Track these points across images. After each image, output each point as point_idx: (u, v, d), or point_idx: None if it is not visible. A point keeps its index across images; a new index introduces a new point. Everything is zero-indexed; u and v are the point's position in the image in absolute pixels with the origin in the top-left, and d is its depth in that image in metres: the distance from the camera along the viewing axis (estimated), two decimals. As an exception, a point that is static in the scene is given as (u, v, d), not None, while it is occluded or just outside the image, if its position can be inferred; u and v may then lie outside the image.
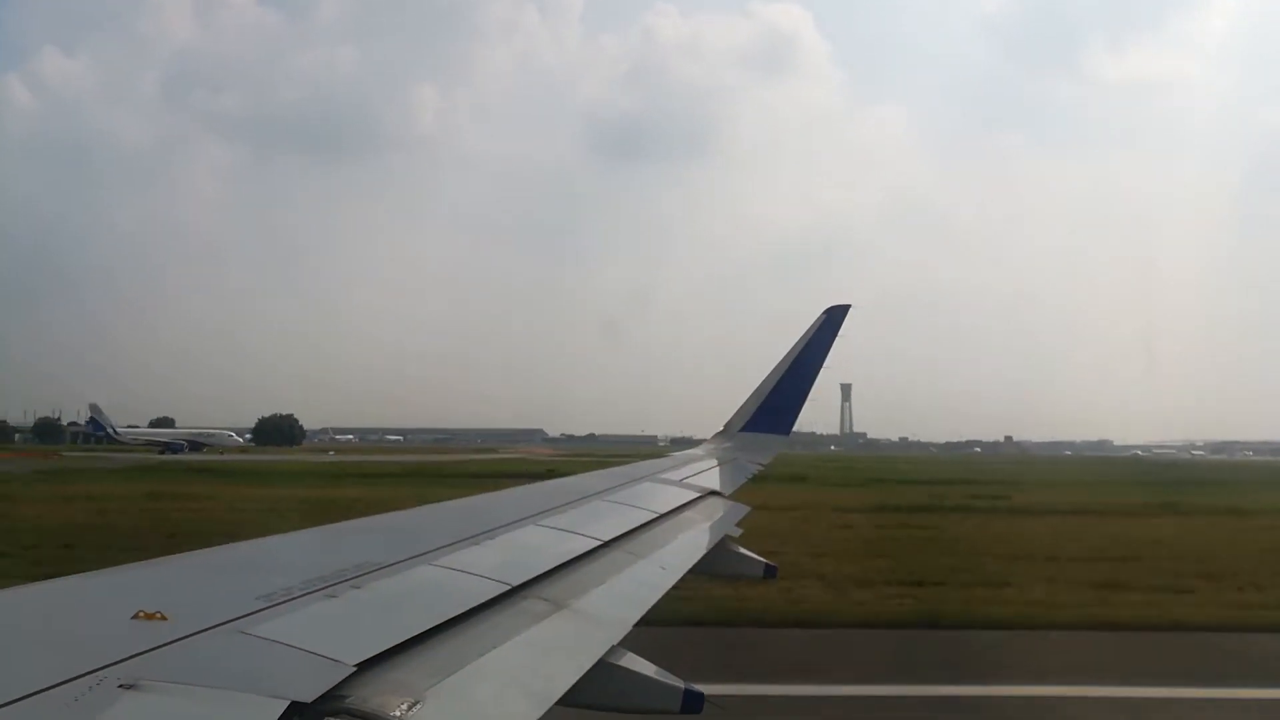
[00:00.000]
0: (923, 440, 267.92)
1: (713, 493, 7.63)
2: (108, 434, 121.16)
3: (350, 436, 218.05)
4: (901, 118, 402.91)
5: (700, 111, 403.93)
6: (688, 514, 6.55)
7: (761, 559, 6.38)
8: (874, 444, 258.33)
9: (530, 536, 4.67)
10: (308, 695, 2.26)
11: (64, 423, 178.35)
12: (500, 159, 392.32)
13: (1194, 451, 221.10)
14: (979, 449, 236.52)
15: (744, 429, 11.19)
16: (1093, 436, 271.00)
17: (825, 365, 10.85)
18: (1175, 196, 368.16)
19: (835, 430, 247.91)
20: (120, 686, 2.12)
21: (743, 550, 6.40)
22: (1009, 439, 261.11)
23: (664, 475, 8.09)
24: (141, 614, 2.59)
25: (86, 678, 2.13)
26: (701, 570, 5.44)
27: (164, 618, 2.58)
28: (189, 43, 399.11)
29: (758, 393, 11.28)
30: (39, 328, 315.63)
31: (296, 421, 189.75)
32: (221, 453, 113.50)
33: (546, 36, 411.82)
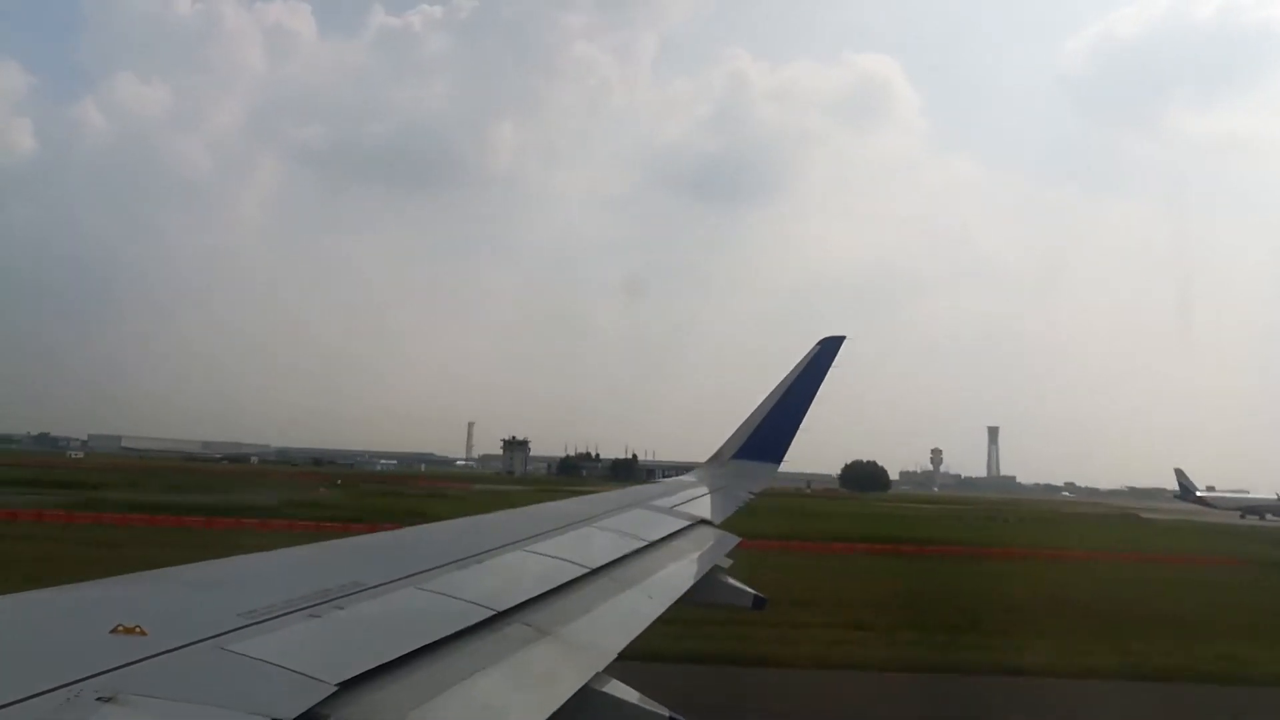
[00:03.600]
0: (1085, 485, 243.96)
1: (703, 521, 7.61)
2: (1196, 497, 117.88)
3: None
4: (977, 168, 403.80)
5: (775, 155, 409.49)
6: (677, 543, 6.53)
7: (750, 590, 6.32)
8: (1051, 489, 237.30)
9: (518, 561, 4.68)
10: (287, 714, 2.27)
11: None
12: (601, 202, 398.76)
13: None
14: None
15: (735, 456, 11.05)
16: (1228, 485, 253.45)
17: (818, 396, 10.76)
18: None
19: (982, 473, 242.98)
20: (98, 700, 2.13)
21: (732, 581, 6.36)
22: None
23: (655, 503, 8.05)
24: (121, 628, 2.59)
25: (64, 690, 2.14)
26: (690, 600, 5.44)
27: (144, 632, 2.58)
28: (265, 75, 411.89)
29: (750, 421, 11.15)
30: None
31: (881, 467, 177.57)
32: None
33: (627, 79, 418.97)
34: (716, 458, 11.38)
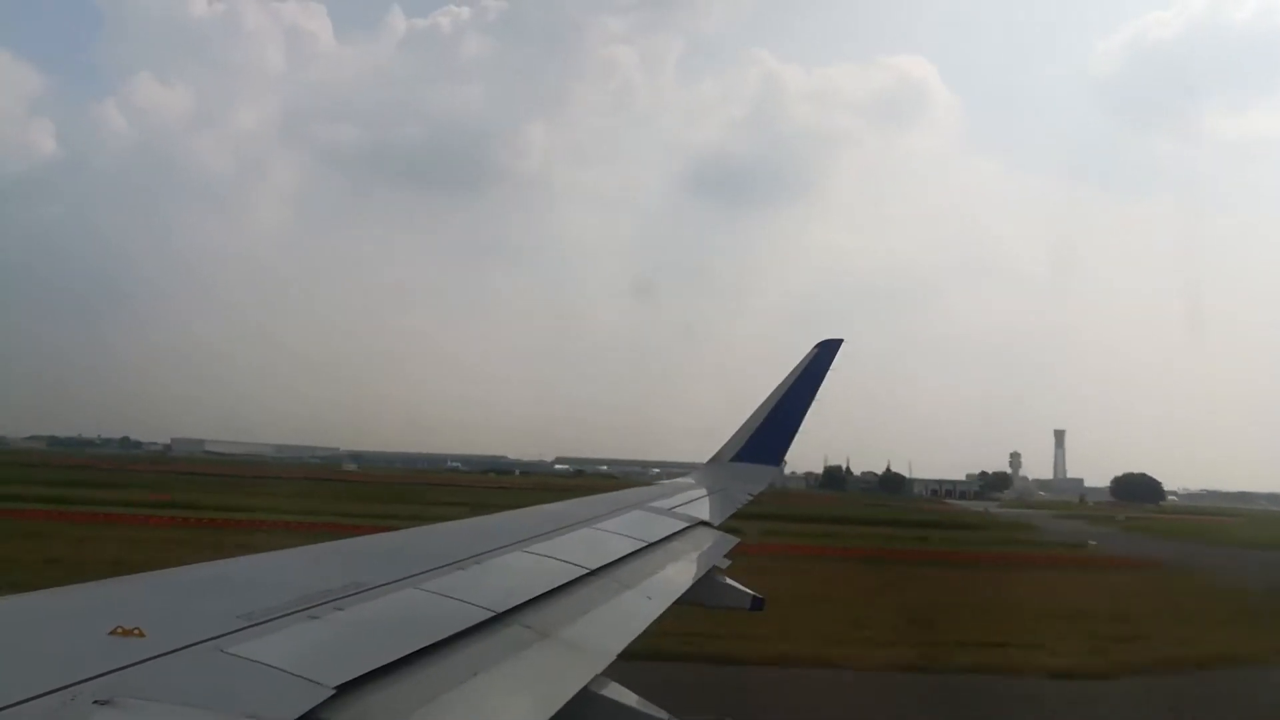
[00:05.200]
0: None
1: (702, 523, 7.65)
2: None
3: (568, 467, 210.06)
4: (1009, 170, 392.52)
5: (800, 157, 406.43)
6: (676, 544, 6.56)
7: (749, 591, 6.37)
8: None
9: (518, 562, 4.69)
10: (284, 717, 2.27)
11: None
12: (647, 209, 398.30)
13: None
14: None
15: (735, 458, 11.08)
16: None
17: (817, 398, 10.82)
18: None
19: (1049, 475, 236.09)
20: (95, 703, 2.12)
21: (730, 582, 6.41)
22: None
23: (654, 504, 8.09)
24: (120, 630, 2.57)
25: (60, 693, 2.13)
26: (689, 601, 5.47)
27: (142, 634, 2.57)
28: (286, 76, 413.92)
29: (749, 423, 11.18)
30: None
31: (1154, 479, 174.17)
32: None
33: (654, 80, 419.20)
34: (716, 460, 11.44)
